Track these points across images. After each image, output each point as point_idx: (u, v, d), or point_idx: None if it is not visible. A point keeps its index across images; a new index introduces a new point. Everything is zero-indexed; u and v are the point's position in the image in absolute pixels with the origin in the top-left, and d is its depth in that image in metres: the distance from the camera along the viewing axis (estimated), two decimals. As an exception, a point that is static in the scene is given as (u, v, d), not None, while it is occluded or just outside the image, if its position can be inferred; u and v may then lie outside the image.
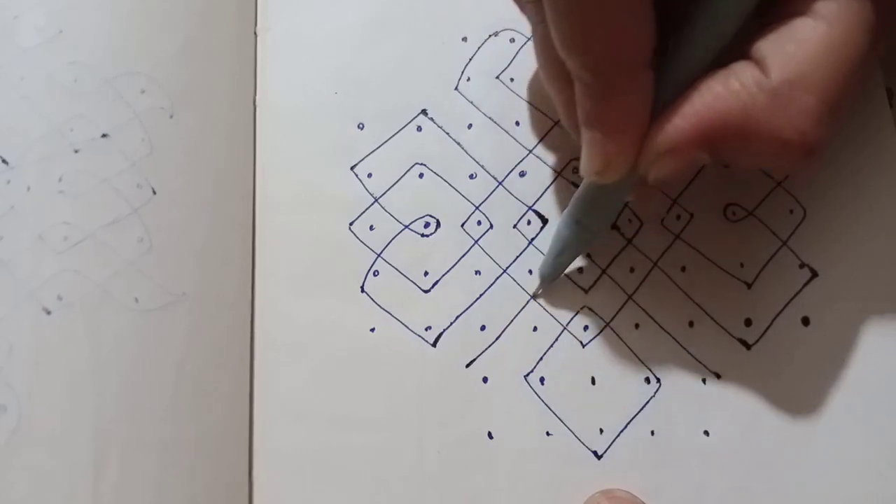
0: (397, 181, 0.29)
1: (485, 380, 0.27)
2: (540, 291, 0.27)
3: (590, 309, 0.27)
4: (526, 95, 0.30)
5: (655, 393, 0.26)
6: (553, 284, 0.27)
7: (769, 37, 0.21)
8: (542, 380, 0.27)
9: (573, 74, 0.22)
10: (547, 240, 0.28)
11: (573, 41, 0.21)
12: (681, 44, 0.21)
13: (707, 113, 0.21)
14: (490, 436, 0.26)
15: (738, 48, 0.21)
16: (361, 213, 0.29)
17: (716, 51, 0.21)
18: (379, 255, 0.28)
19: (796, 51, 0.20)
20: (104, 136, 0.26)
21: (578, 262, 0.28)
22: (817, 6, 0.20)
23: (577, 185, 0.28)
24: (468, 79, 0.30)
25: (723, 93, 0.21)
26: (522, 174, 0.29)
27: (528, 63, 0.30)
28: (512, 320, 0.27)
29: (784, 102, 0.20)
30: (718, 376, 0.26)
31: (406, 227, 0.29)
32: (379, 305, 0.28)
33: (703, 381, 0.26)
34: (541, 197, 0.29)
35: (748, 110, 0.20)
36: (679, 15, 0.22)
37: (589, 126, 0.22)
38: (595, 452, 0.26)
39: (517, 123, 0.30)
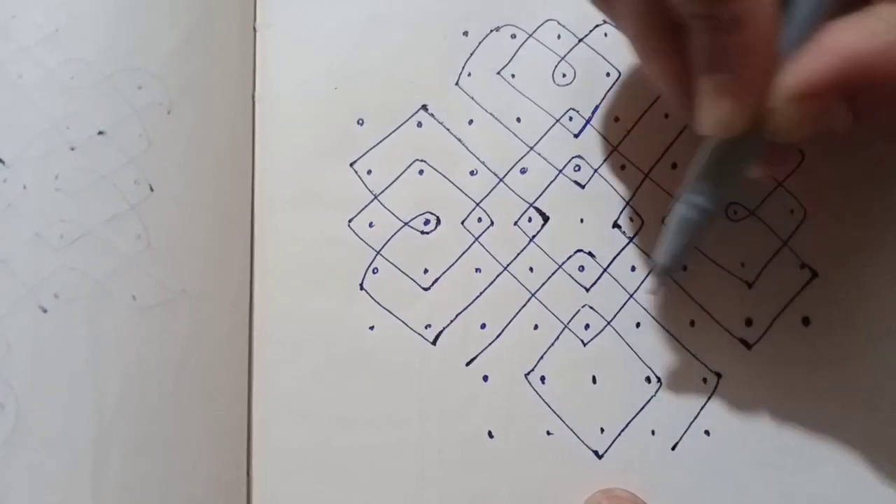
0: (397, 178, 0.29)
1: (485, 378, 0.27)
2: (656, 288, 0.26)
3: (591, 308, 0.27)
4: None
5: (656, 392, 0.26)
6: (552, 279, 0.27)
7: None
8: (542, 378, 0.27)
9: (689, 17, 0.20)
10: (548, 238, 0.28)
11: None
12: None
13: (846, 52, 0.18)
14: (490, 435, 0.26)
15: None
16: (361, 210, 0.29)
17: None
18: (378, 253, 0.28)
19: None
20: (102, 132, 0.26)
21: (579, 260, 0.28)
22: None
23: (579, 184, 0.28)
24: (469, 74, 0.30)
25: (862, 32, 0.18)
26: (523, 171, 0.29)
27: (529, 59, 0.30)
28: (512, 318, 0.27)
29: None
30: (719, 376, 0.26)
31: (406, 224, 0.29)
32: (378, 303, 0.28)
33: (704, 380, 0.26)
34: (542, 194, 0.28)
35: (891, 51, 0.18)
36: None
37: (712, 69, 0.20)
38: (595, 452, 0.26)
39: (518, 120, 0.29)
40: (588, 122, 0.29)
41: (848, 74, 0.19)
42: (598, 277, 0.27)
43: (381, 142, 0.29)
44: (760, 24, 0.19)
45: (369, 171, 0.29)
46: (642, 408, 0.26)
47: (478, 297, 0.28)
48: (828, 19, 0.20)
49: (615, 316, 0.27)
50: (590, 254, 0.28)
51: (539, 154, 0.29)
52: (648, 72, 0.24)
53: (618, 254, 0.28)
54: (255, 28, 0.31)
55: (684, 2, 0.20)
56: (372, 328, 0.27)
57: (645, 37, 0.23)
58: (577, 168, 0.29)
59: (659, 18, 0.21)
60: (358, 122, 0.30)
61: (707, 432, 0.26)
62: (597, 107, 0.29)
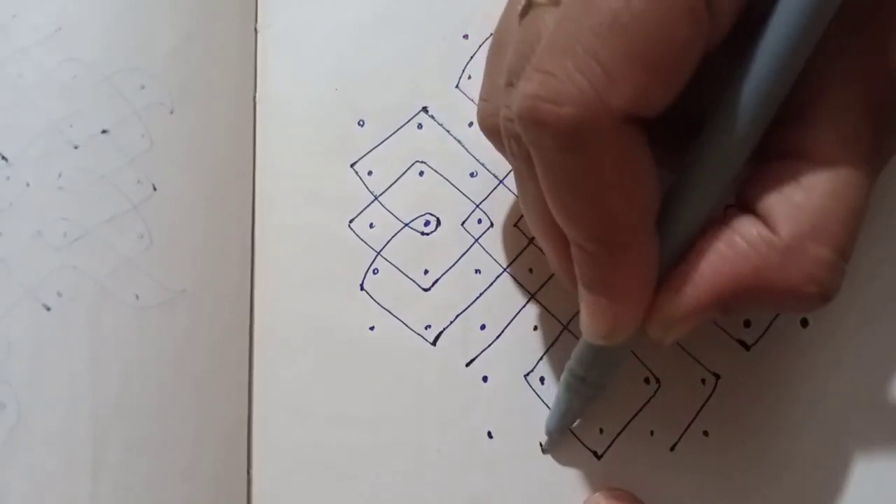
0: (397, 179, 0.29)
1: (485, 379, 0.27)
2: (549, 448, 0.26)
3: (590, 309, 0.27)
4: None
5: (655, 393, 0.26)
6: (552, 280, 0.27)
7: (771, 186, 0.19)
8: (542, 379, 0.27)
9: (571, 241, 0.20)
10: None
11: (576, 213, 0.19)
12: (679, 195, 0.20)
13: (717, 278, 0.19)
14: (490, 435, 0.26)
15: (738, 190, 0.20)
16: (361, 211, 0.29)
17: (717, 199, 0.20)
18: (379, 254, 0.28)
19: (804, 202, 0.19)
20: (104, 132, 0.26)
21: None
22: (819, 148, 0.19)
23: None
24: (469, 77, 0.30)
25: (730, 254, 0.19)
26: (523, 173, 0.29)
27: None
28: (512, 319, 0.27)
29: (797, 257, 0.19)
30: (718, 377, 0.26)
31: (406, 225, 0.29)
32: (378, 304, 0.28)
33: (703, 381, 0.26)
34: (541, 196, 0.29)
35: (760, 270, 0.19)
36: (667, 150, 0.20)
37: (591, 290, 0.21)
38: (595, 452, 0.26)
39: (518, 122, 0.29)
40: (588, 124, 0.29)
41: (719, 297, 0.20)
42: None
43: (381, 143, 0.30)
44: (639, 262, 0.20)
45: (370, 172, 0.29)
46: (641, 408, 0.26)
47: (478, 297, 0.28)
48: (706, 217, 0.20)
49: (614, 317, 0.27)
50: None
51: (539, 156, 0.29)
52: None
53: (617, 255, 0.28)
54: (255, 29, 0.31)
55: (565, 230, 0.20)
56: (372, 328, 0.28)
57: (537, 217, 0.23)
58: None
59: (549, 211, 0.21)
60: (358, 123, 0.30)
61: (706, 433, 0.26)
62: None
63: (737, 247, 0.19)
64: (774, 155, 0.20)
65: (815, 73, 0.19)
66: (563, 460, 0.26)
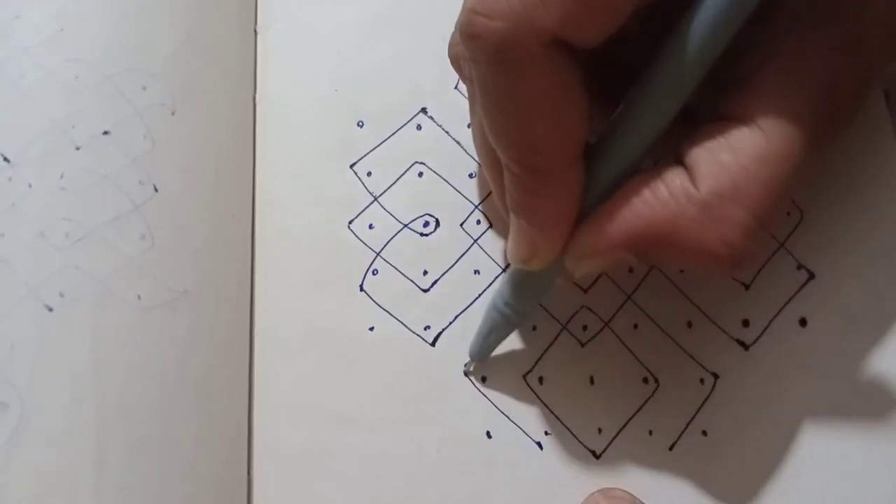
0: (397, 180, 0.29)
1: (483, 379, 0.27)
2: (471, 368, 0.27)
3: (589, 309, 0.27)
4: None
5: (654, 393, 0.26)
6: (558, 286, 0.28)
7: (702, 143, 0.20)
8: (540, 379, 0.27)
9: (502, 163, 0.21)
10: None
11: (503, 132, 0.20)
12: (610, 136, 0.21)
13: (634, 220, 0.20)
14: (489, 435, 0.26)
15: (667, 143, 0.21)
16: (361, 212, 0.29)
17: (645, 148, 0.20)
18: (378, 254, 0.28)
19: (729, 161, 0.19)
20: (105, 132, 0.26)
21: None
22: (755, 113, 0.19)
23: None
24: (469, 78, 0.30)
25: (651, 200, 0.20)
26: (522, 174, 0.29)
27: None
28: (511, 320, 0.28)
29: (713, 215, 0.19)
30: (716, 376, 0.26)
31: (405, 225, 0.29)
32: (378, 304, 0.28)
33: (701, 381, 0.26)
34: (540, 197, 0.29)
35: (676, 220, 0.19)
36: (613, 102, 0.21)
37: (517, 214, 0.22)
38: (593, 452, 0.26)
39: (517, 123, 0.30)
40: (586, 125, 0.29)
41: (634, 238, 0.20)
42: (596, 279, 0.28)
43: (380, 144, 0.30)
44: (560, 191, 0.21)
45: (369, 173, 0.29)
46: (640, 408, 0.26)
47: (477, 298, 0.28)
48: (636, 161, 0.21)
49: (613, 317, 0.27)
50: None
51: (538, 157, 0.29)
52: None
53: (616, 256, 0.28)
54: (255, 30, 0.31)
55: (497, 150, 0.21)
56: (372, 329, 0.28)
57: (479, 140, 0.24)
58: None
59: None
60: (358, 124, 0.30)
61: (704, 433, 0.26)
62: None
63: (659, 194, 0.20)
64: (714, 118, 0.20)
65: (767, 40, 0.19)
66: (561, 459, 0.26)
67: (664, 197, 0.20)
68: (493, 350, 0.27)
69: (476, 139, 0.25)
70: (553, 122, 0.19)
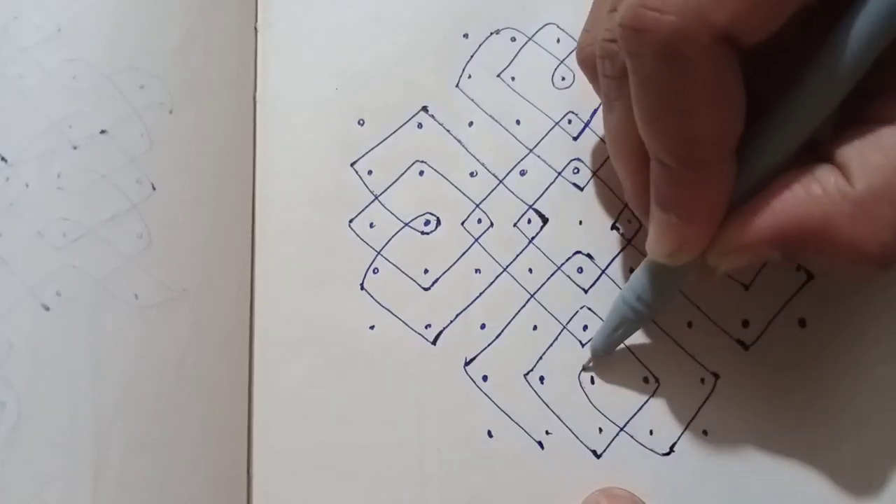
0: (398, 178, 0.29)
1: (484, 378, 0.27)
2: (591, 364, 0.27)
3: (589, 309, 0.27)
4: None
5: (654, 392, 0.26)
6: (551, 280, 0.28)
7: (854, 142, 0.20)
8: (541, 379, 0.27)
9: (653, 156, 0.21)
10: (547, 239, 0.28)
11: (664, 126, 0.20)
12: (764, 133, 0.21)
13: (787, 216, 0.20)
14: (490, 434, 0.26)
15: (817, 145, 0.21)
16: (361, 211, 0.29)
17: (797, 145, 0.21)
18: (379, 253, 0.28)
19: (882, 162, 0.19)
20: (103, 132, 0.26)
21: (577, 262, 0.28)
22: None
23: (578, 186, 0.29)
24: (469, 76, 0.30)
25: (804, 197, 0.20)
26: (523, 173, 0.29)
27: (528, 62, 0.30)
28: (512, 319, 0.27)
29: (868, 213, 0.19)
30: (717, 376, 0.26)
31: (406, 224, 0.29)
32: (379, 303, 0.28)
33: (702, 380, 0.26)
34: (541, 196, 0.29)
35: (829, 218, 0.20)
36: (763, 103, 0.21)
37: (664, 208, 0.22)
38: (594, 451, 0.26)
39: (518, 122, 0.30)
40: (587, 125, 0.29)
41: (784, 234, 0.20)
42: (597, 279, 0.28)
43: (381, 142, 0.30)
44: (714, 185, 0.21)
45: (370, 172, 0.29)
46: (640, 408, 0.26)
47: (477, 297, 0.28)
48: (786, 161, 0.21)
49: (614, 317, 0.27)
50: (588, 255, 0.28)
51: (538, 156, 0.29)
52: (616, 167, 0.25)
53: (616, 255, 0.28)
54: (256, 28, 0.31)
55: (649, 143, 0.21)
56: (372, 328, 0.28)
57: (620, 137, 0.24)
58: (576, 171, 0.29)
59: (632, 131, 0.22)
60: (358, 123, 0.30)
61: (705, 432, 0.26)
62: (596, 110, 0.29)
63: (812, 190, 0.20)
64: (861, 121, 0.20)
65: None
66: (562, 458, 0.26)
67: (817, 193, 0.20)
68: (618, 346, 0.26)
69: (614, 136, 0.24)
70: (716, 116, 0.20)
